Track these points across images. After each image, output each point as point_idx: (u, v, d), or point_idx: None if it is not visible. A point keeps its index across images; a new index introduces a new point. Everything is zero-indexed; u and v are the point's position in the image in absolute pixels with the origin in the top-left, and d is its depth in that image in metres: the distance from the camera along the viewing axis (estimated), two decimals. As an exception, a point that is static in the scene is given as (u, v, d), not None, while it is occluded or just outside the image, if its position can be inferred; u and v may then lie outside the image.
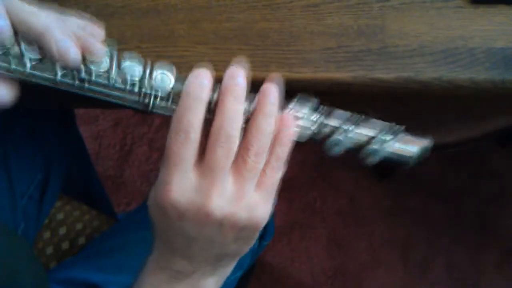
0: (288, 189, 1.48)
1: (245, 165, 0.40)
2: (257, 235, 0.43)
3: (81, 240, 0.77)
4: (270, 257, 1.40)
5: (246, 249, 0.45)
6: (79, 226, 0.78)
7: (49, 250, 0.76)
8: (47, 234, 0.77)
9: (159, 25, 0.55)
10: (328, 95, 0.54)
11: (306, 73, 0.52)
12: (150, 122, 1.56)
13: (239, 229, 0.41)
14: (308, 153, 1.50)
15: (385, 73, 0.51)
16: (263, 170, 0.41)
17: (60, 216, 0.78)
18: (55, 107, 0.80)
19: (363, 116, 0.44)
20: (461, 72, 0.51)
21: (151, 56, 0.54)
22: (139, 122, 1.57)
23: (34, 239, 0.77)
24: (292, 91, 0.53)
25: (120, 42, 0.56)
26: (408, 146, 0.44)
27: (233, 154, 0.39)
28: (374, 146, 0.43)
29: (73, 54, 0.39)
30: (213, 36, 0.54)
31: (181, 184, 0.39)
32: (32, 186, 0.76)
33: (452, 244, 1.42)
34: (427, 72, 0.51)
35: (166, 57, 0.53)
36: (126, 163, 1.54)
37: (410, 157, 0.44)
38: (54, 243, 0.77)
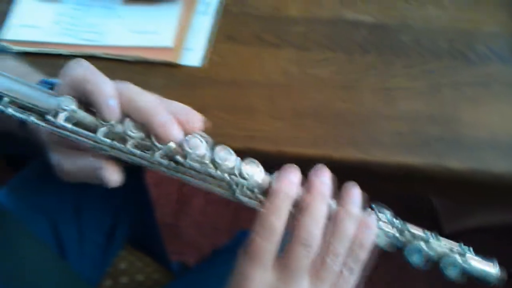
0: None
1: (323, 266, 0.40)
2: None
3: (141, 292, 0.79)
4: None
5: None
6: (140, 277, 0.79)
7: (110, 298, 0.78)
8: (109, 282, 0.79)
9: (239, 97, 0.59)
10: (396, 179, 0.55)
11: (377, 156, 0.53)
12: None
13: None
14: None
15: (458, 163, 0.52)
16: (340, 271, 0.40)
17: (123, 265, 0.80)
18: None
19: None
20: (534, 166, 0.51)
21: (229, 127, 0.57)
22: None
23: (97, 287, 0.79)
24: (363, 173, 0.55)
25: (200, 110, 0.59)
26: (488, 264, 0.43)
27: (314, 254, 0.39)
28: (457, 257, 0.42)
29: (175, 131, 0.41)
30: (291, 112, 0.57)
31: (260, 281, 0.39)
32: (101, 234, 0.79)
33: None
34: (499, 165, 0.52)
35: (244, 129, 0.56)
36: (182, 212, 1.57)
37: (496, 274, 0.43)
38: (115, 291, 0.79)
